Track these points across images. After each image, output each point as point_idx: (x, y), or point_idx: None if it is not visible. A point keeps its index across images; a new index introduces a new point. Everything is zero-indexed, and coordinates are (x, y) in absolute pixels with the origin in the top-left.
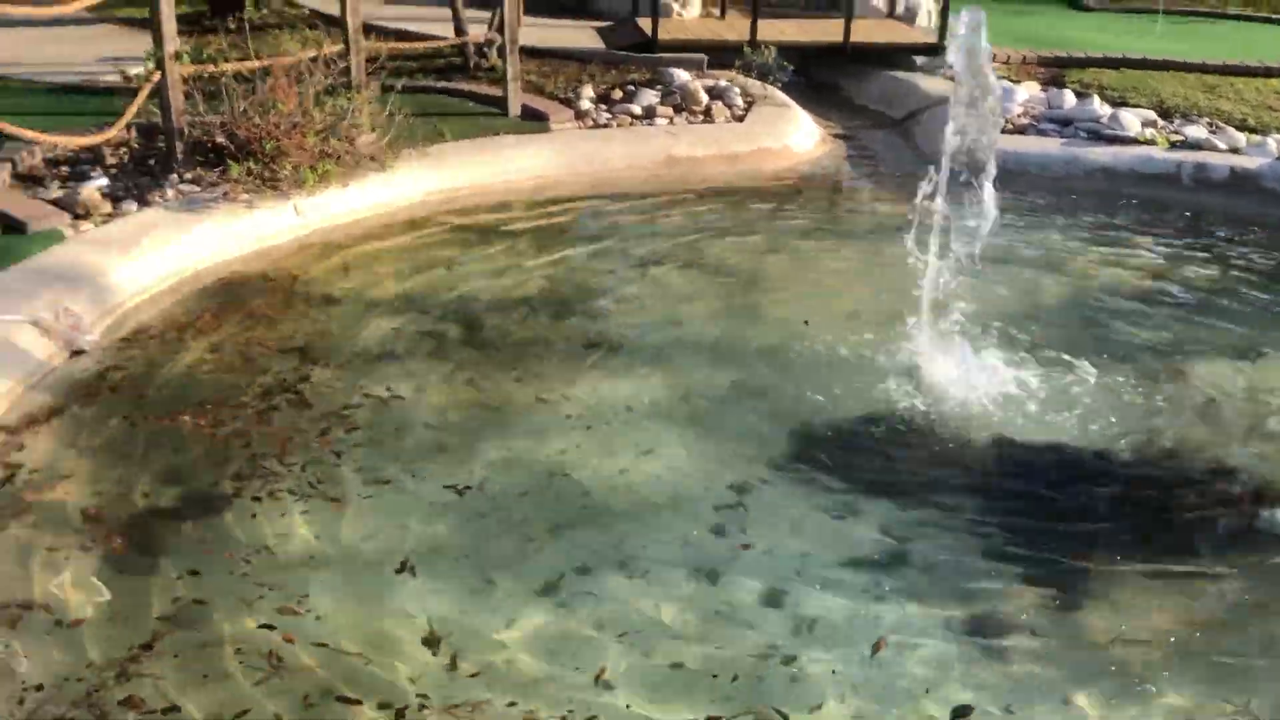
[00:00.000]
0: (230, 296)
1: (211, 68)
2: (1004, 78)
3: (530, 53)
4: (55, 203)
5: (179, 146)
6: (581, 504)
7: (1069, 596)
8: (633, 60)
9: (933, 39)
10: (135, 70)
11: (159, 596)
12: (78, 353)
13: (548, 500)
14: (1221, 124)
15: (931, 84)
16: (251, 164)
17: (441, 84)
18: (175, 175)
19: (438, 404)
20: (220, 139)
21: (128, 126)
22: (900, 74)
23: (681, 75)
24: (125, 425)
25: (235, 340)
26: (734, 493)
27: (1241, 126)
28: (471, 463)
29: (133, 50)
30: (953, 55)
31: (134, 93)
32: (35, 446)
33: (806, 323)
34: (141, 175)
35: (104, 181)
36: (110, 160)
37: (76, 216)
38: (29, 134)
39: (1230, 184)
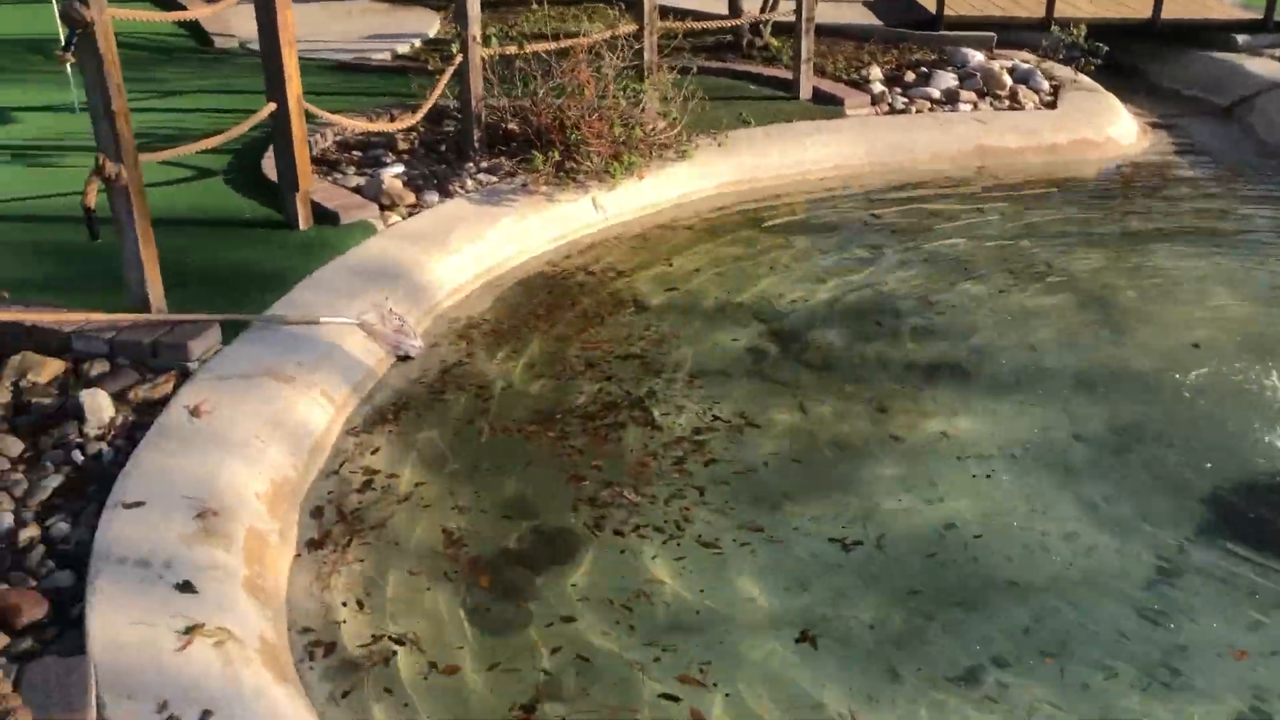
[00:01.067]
0: (551, 295)
1: (513, 49)
2: None
3: None
4: (358, 191)
5: (476, 134)
6: (982, 571)
7: None
8: (912, 38)
9: (1256, 14)
10: (405, 49)
11: (535, 645)
12: (404, 358)
13: (943, 564)
14: None
15: (1261, 65)
16: (554, 154)
17: (717, 64)
18: (472, 164)
19: (793, 434)
20: (513, 125)
21: (413, 109)
22: (1219, 55)
23: (975, 56)
24: (472, 434)
25: (568, 344)
26: (1162, 569)
27: None
28: (848, 510)
29: (390, 27)
30: None
31: (402, 71)
32: (386, 453)
33: (1196, 346)
34: (435, 163)
35: (400, 169)
36: (401, 145)
37: (383, 207)
38: (329, 116)
39: None
